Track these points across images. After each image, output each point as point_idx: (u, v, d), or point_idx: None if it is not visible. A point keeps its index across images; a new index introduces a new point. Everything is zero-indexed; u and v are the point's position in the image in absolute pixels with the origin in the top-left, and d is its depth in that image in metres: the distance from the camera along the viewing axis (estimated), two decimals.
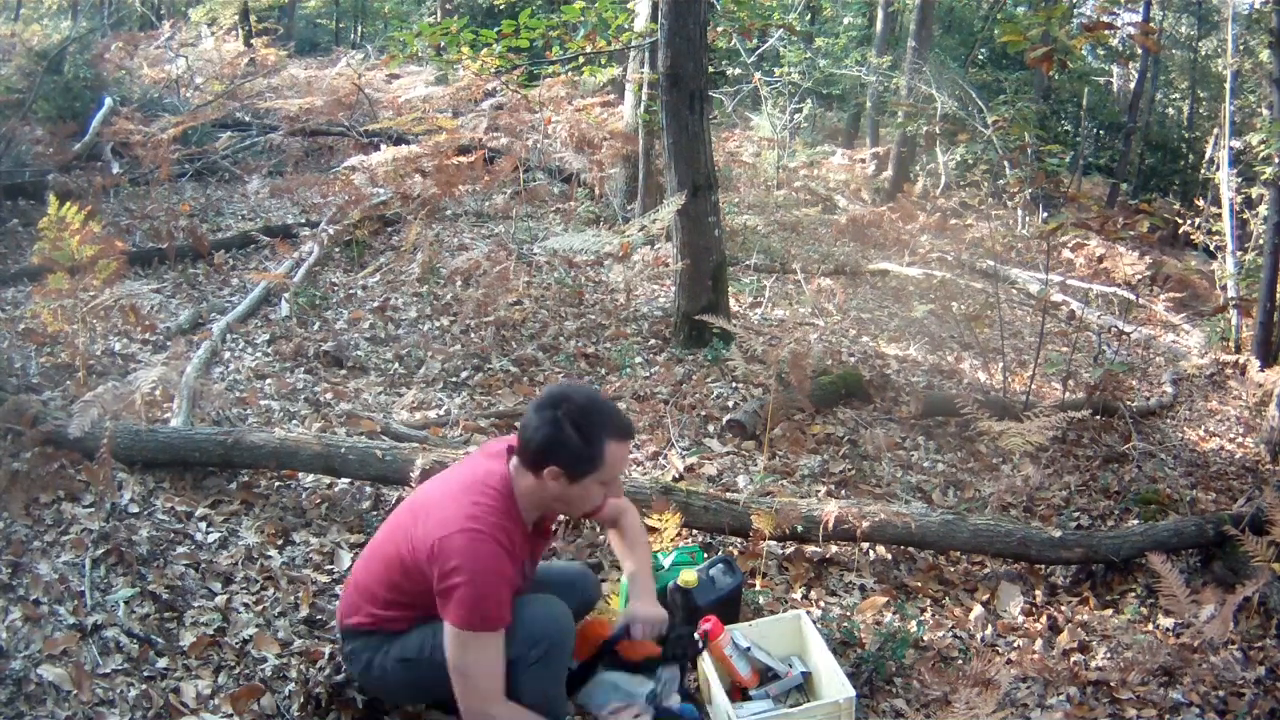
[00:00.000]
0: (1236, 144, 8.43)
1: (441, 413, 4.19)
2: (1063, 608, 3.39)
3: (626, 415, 2.18)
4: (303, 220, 6.57)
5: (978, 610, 3.31)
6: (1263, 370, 6.35)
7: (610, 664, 2.39)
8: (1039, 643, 3.14)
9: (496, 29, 5.82)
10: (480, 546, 1.98)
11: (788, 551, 3.45)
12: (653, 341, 5.29)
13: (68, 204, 3.90)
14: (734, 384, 4.77)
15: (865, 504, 3.42)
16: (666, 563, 2.88)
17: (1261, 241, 7.08)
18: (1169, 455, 5.08)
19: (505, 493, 2.08)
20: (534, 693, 2.10)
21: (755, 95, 11.26)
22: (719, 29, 7.12)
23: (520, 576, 2.12)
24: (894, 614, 3.17)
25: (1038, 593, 3.46)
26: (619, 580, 2.91)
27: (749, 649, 2.58)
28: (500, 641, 2.01)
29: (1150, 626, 3.26)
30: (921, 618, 3.19)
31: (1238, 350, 7.05)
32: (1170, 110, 17.15)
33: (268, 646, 2.54)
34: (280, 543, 3.05)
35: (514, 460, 2.11)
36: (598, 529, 3.21)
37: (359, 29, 20.25)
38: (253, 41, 13.13)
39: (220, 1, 14.10)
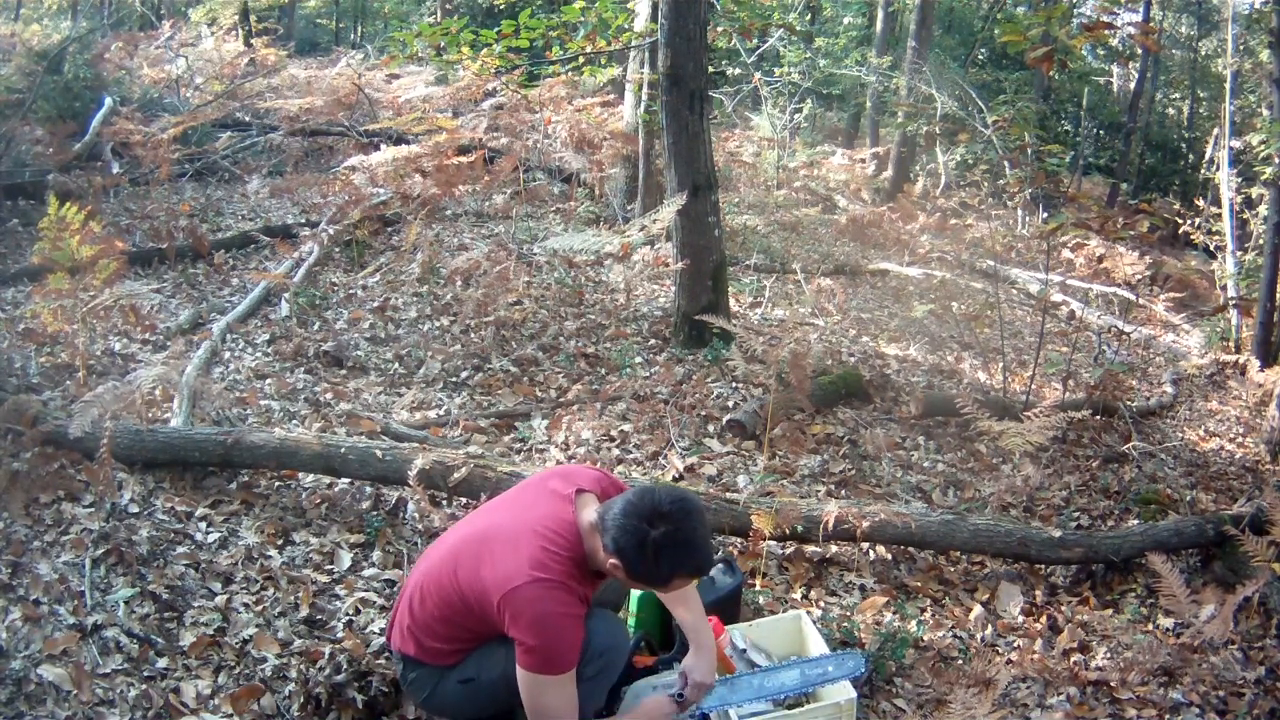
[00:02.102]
0: (1236, 144, 8.43)
1: (441, 413, 4.19)
2: (1063, 608, 3.39)
3: (712, 553, 2.21)
4: (303, 220, 6.57)
5: (978, 610, 3.31)
6: (1263, 370, 6.34)
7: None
8: (1039, 643, 3.14)
9: (496, 29, 5.82)
10: (551, 594, 2.00)
11: (788, 551, 3.45)
12: (653, 341, 5.29)
13: (68, 204, 3.90)
14: (734, 384, 4.77)
15: (865, 504, 3.42)
16: None
17: (1261, 241, 7.08)
18: (1169, 455, 5.08)
19: (575, 543, 2.09)
20: (586, 706, 2.14)
21: (755, 95, 11.26)
22: (719, 29, 7.12)
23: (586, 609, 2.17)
24: (894, 614, 3.17)
25: (1038, 593, 3.46)
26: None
27: (746, 650, 2.58)
28: (573, 679, 2.06)
29: (1150, 626, 3.26)
30: (921, 618, 3.19)
31: (1238, 350, 7.05)
32: (1170, 110, 17.13)
33: (268, 646, 2.54)
34: (280, 543, 3.05)
35: (590, 513, 2.11)
36: None
37: (359, 29, 20.25)
38: (253, 41, 13.12)
39: (220, 1, 14.10)
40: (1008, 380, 5.44)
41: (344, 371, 4.51)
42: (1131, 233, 5.46)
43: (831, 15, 16.06)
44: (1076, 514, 4.16)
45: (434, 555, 2.25)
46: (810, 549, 3.45)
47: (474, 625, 2.11)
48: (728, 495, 3.40)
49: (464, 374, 4.60)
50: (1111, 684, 2.91)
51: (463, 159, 6.80)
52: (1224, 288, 8.07)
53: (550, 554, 2.04)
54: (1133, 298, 7.76)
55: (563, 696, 2.05)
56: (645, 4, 6.42)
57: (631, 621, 2.82)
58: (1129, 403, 5.46)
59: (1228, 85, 8.77)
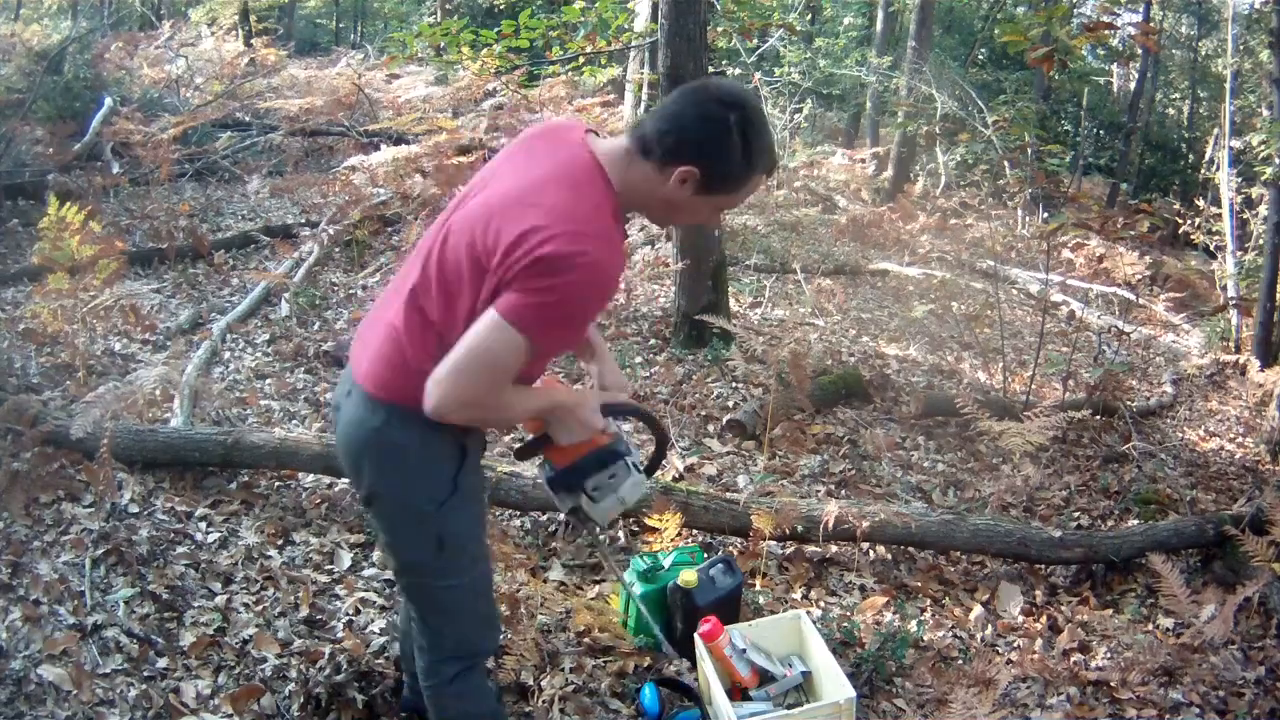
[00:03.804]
0: (1236, 144, 8.43)
1: None
2: (1063, 608, 3.39)
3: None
4: (303, 220, 6.57)
5: (978, 610, 3.31)
6: (1263, 370, 6.34)
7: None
8: (1039, 643, 3.14)
9: (496, 29, 5.83)
10: (603, 268, 1.58)
11: (788, 551, 3.45)
12: (653, 341, 5.29)
13: (68, 204, 3.90)
14: (734, 384, 4.77)
15: (865, 504, 3.42)
16: (666, 563, 2.88)
17: (1261, 241, 7.08)
18: (1169, 455, 5.08)
19: (607, 187, 1.68)
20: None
21: (755, 95, 11.26)
22: (719, 29, 7.12)
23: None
24: (894, 614, 3.17)
25: (1038, 593, 3.46)
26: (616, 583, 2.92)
27: (745, 651, 2.59)
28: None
29: (1150, 626, 3.26)
30: (921, 618, 3.19)
31: (1238, 350, 7.05)
32: (1170, 110, 17.14)
33: (268, 646, 2.54)
34: (280, 543, 3.05)
35: (613, 150, 1.71)
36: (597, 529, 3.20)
37: (359, 29, 20.27)
38: (253, 41, 13.13)
39: (220, 1, 14.12)
40: (1008, 380, 5.44)
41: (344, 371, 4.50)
42: (1131, 233, 5.46)
43: (831, 15, 16.07)
44: (1076, 514, 4.16)
45: (406, 267, 1.79)
46: (810, 549, 3.45)
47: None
48: (728, 495, 3.40)
49: None
50: (1111, 684, 2.91)
51: (463, 159, 6.80)
52: (1224, 288, 8.07)
53: (591, 203, 1.63)
54: (1133, 298, 7.76)
55: (510, 359, 1.60)
56: (645, 4, 6.43)
57: (631, 624, 2.82)
58: (1129, 403, 5.46)
59: (1228, 85, 8.77)
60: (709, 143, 1.63)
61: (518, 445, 1.96)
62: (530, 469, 3.30)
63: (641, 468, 1.92)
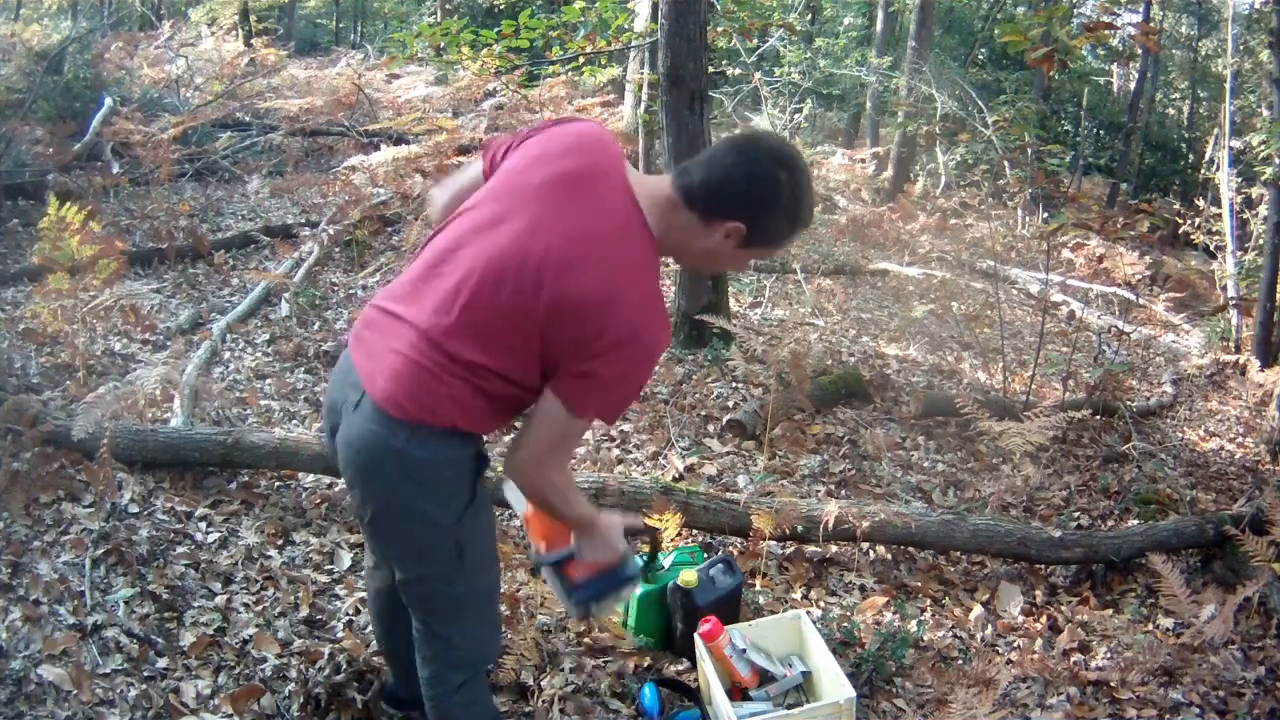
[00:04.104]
0: (1236, 144, 8.43)
1: None
2: (1063, 608, 3.39)
3: None
4: (303, 220, 6.57)
5: (978, 610, 3.31)
6: (1263, 370, 6.34)
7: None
8: (1039, 643, 3.14)
9: (496, 29, 5.83)
10: (660, 335, 1.64)
11: (788, 551, 3.45)
12: None
13: (68, 204, 3.90)
14: (734, 384, 4.77)
15: (865, 504, 3.42)
16: (666, 563, 2.88)
17: (1261, 241, 7.08)
18: (1169, 455, 5.08)
19: (649, 239, 1.67)
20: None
21: (755, 95, 11.25)
22: (719, 29, 7.12)
23: None
24: (894, 614, 3.17)
25: (1038, 593, 3.46)
26: None
27: (745, 651, 2.59)
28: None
29: (1150, 626, 3.26)
30: (921, 618, 3.19)
31: (1238, 350, 7.05)
32: (1170, 110, 17.14)
33: (268, 646, 2.54)
34: (280, 543, 3.05)
35: (654, 195, 1.68)
36: None
37: (359, 29, 20.27)
38: (253, 41, 13.13)
39: (220, 1, 14.11)
40: (1008, 380, 5.44)
41: None
42: (1131, 233, 5.46)
43: (831, 15, 16.08)
44: (1076, 514, 4.16)
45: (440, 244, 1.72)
46: (810, 549, 3.45)
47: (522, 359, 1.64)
48: (728, 495, 3.40)
49: None
50: (1111, 684, 2.91)
51: (463, 159, 6.80)
52: (1224, 288, 8.07)
53: (644, 264, 1.65)
54: (1133, 298, 7.76)
55: (574, 448, 1.78)
56: (645, 4, 6.43)
57: (632, 624, 2.82)
58: (1129, 403, 5.46)
59: (1228, 85, 8.78)
60: (759, 201, 1.63)
61: (536, 558, 2.00)
62: None
63: (639, 576, 2.08)
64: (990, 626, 3.24)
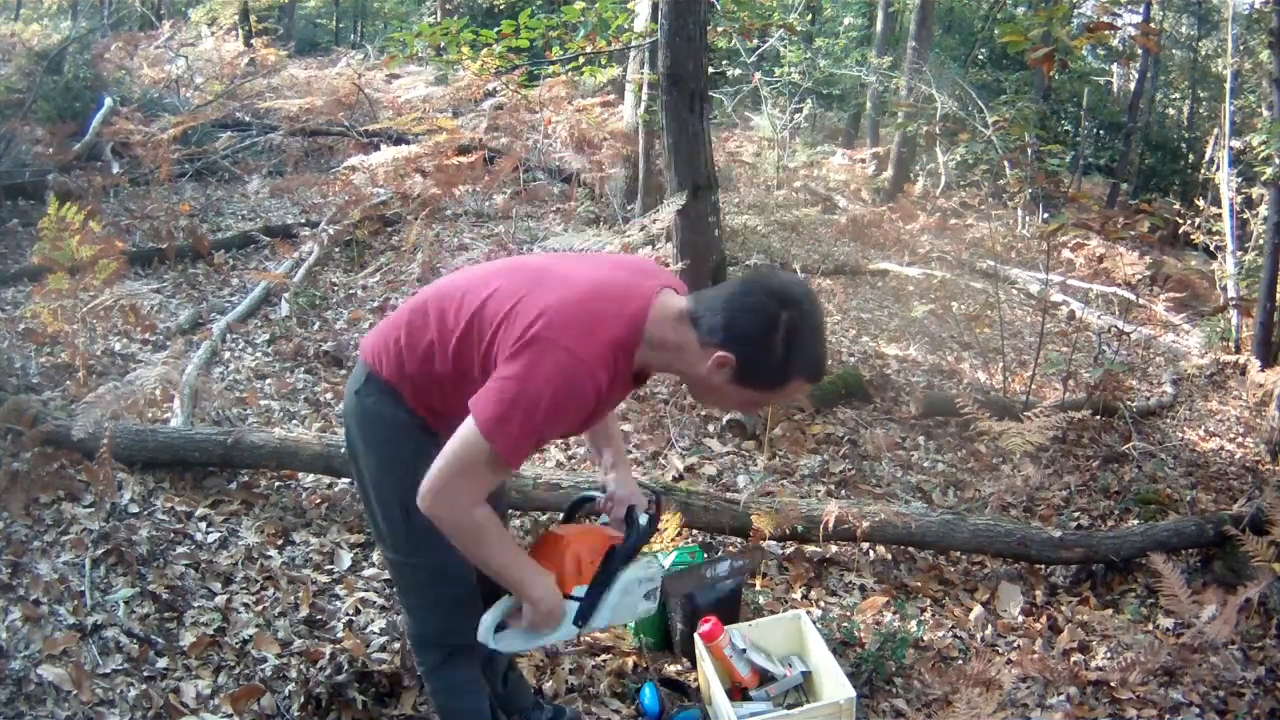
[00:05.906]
0: (1236, 144, 8.43)
1: None
2: (1063, 608, 3.39)
3: (827, 355, 1.74)
4: (303, 220, 6.57)
5: (978, 610, 3.31)
6: (1263, 370, 6.34)
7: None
8: (1039, 643, 3.14)
9: (496, 29, 5.81)
10: (578, 373, 1.58)
11: (788, 551, 3.45)
12: None
13: (68, 204, 3.90)
14: None
15: (865, 504, 3.42)
16: (666, 563, 2.88)
17: (1261, 241, 7.08)
18: (1169, 455, 5.08)
19: (636, 329, 1.66)
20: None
21: (755, 95, 11.26)
22: (719, 29, 7.12)
23: (590, 418, 1.75)
24: (894, 614, 3.17)
25: (1038, 593, 3.46)
26: None
27: (745, 651, 2.59)
28: (503, 471, 1.69)
29: (1150, 626, 3.26)
30: (921, 618, 3.19)
31: (1238, 350, 7.05)
32: (1170, 110, 17.14)
33: (268, 646, 2.54)
34: (280, 543, 3.05)
35: (669, 305, 1.68)
36: None
37: (359, 29, 20.26)
38: (253, 41, 13.12)
39: (220, 1, 14.11)
40: (1008, 380, 5.44)
41: (344, 371, 4.50)
42: (1131, 233, 5.45)
43: (831, 15, 16.08)
44: (1076, 514, 4.16)
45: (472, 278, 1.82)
46: (810, 549, 3.45)
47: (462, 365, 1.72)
48: (728, 495, 3.40)
49: None
50: (1111, 684, 2.91)
51: (463, 159, 6.79)
52: (1224, 288, 8.07)
53: (605, 325, 1.62)
54: (1133, 298, 7.76)
55: (483, 481, 1.64)
56: (645, 4, 6.42)
57: (631, 624, 2.82)
58: (1129, 403, 5.46)
59: (1228, 85, 8.78)
60: (750, 335, 1.59)
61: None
62: (529, 468, 3.30)
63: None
64: (990, 626, 3.24)
